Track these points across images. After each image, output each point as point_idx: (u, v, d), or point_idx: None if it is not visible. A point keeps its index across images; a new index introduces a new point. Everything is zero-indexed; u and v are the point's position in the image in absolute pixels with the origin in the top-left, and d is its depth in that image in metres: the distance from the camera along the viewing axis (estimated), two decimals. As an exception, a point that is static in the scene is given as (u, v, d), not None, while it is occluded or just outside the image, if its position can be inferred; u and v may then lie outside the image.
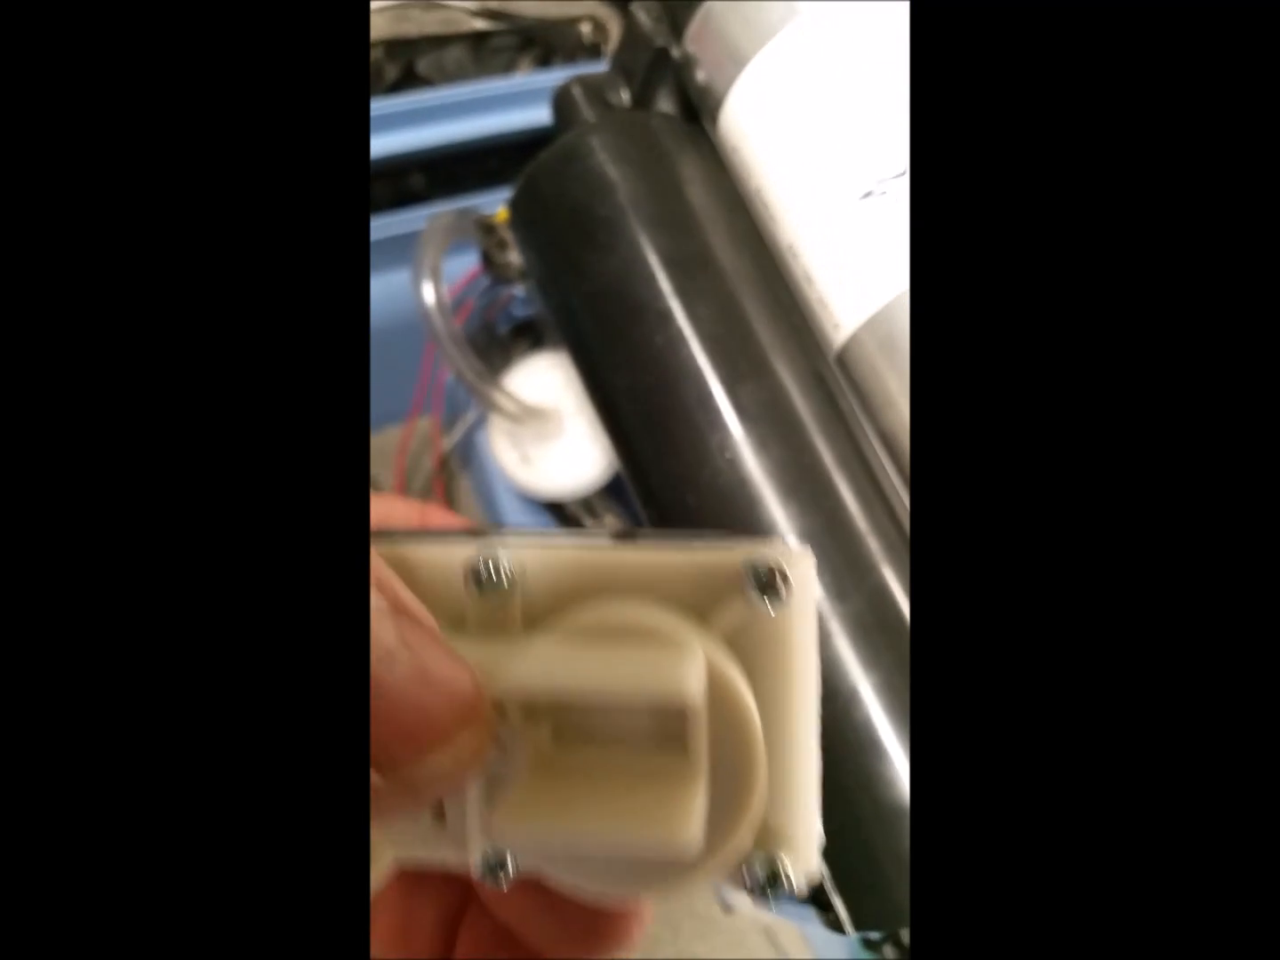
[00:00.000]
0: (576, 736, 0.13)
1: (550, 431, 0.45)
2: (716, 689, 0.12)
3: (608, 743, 0.13)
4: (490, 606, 0.13)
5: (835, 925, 0.26)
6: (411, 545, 0.13)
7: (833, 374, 0.30)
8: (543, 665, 0.12)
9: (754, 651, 0.13)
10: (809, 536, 0.27)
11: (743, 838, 0.12)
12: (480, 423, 0.50)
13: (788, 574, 0.13)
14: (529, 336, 0.49)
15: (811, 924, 0.53)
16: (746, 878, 0.13)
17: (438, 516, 0.17)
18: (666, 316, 0.29)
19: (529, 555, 0.13)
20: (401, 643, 0.11)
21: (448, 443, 0.51)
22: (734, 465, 0.28)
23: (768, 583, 0.12)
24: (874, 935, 0.32)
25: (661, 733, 0.12)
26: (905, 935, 0.31)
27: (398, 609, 0.12)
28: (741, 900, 0.50)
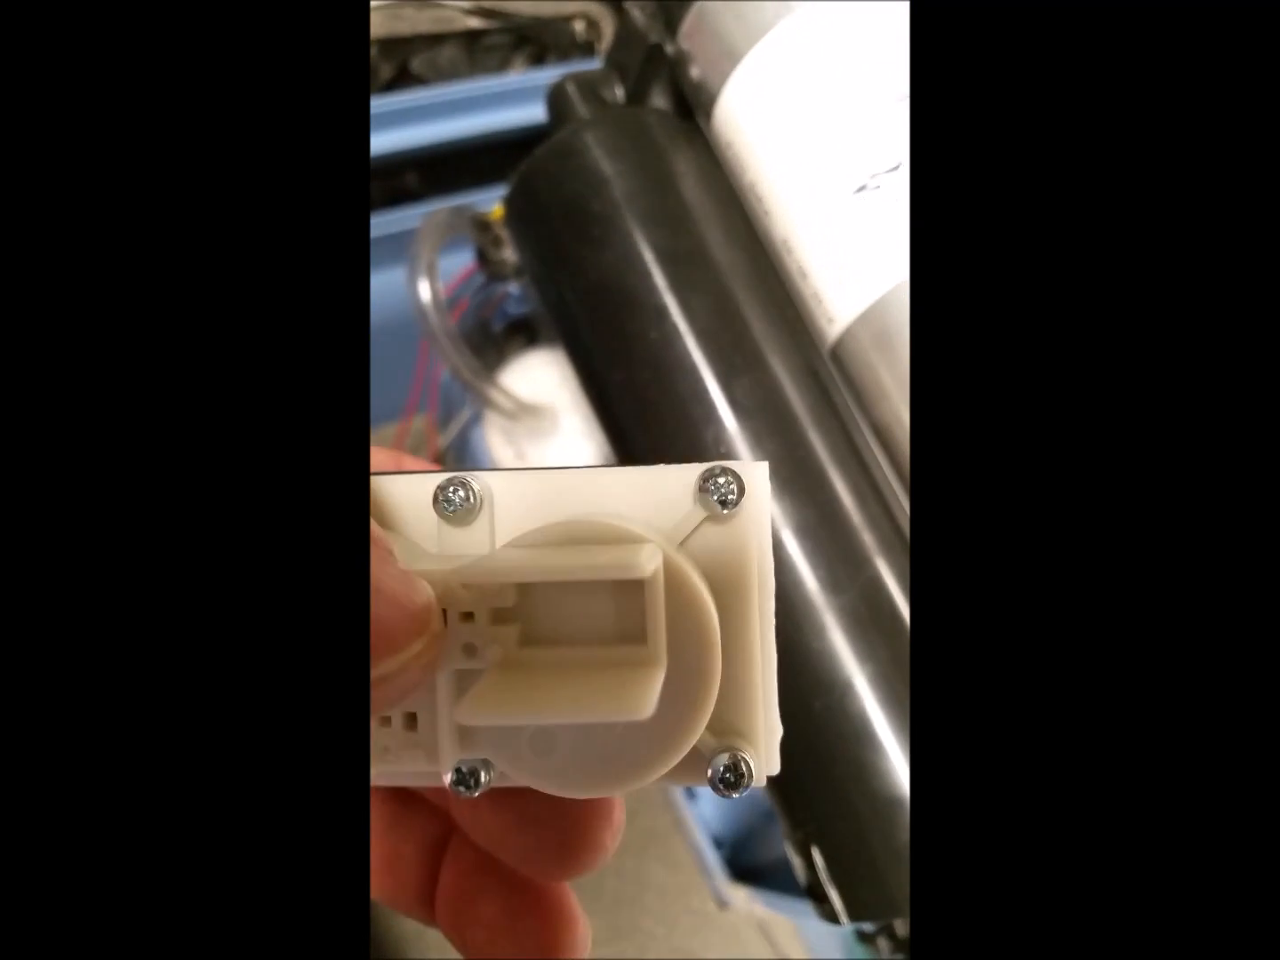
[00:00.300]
0: (542, 639, 0.13)
1: (546, 428, 0.45)
2: (673, 585, 0.13)
3: (572, 644, 0.13)
4: (460, 527, 0.14)
5: (830, 916, 0.27)
6: (386, 479, 0.14)
7: (827, 368, 0.30)
8: (504, 558, 0.13)
9: (711, 556, 0.13)
10: (803, 530, 0.27)
11: (701, 730, 0.13)
12: (476, 420, 0.50)
13: (741, 479, 0.13)
14: (524, 333, 0.49)
15: (806, 919, 0.53)
16: (709, 770, 0.13)
17: (413, 466, 0.18)
18: (661, 311, 0.29)
19: (496, 478, 0.14)
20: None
21: (443, 440, 0.51)
22: (729, 460, 0.28)
23: (721, 488, 0.13)
24: (868, 927, 0.32)
25: (623, 633, 0.13)
26: (900, 927, 0.31)
27: None
28: (737, 896, 0.51)
